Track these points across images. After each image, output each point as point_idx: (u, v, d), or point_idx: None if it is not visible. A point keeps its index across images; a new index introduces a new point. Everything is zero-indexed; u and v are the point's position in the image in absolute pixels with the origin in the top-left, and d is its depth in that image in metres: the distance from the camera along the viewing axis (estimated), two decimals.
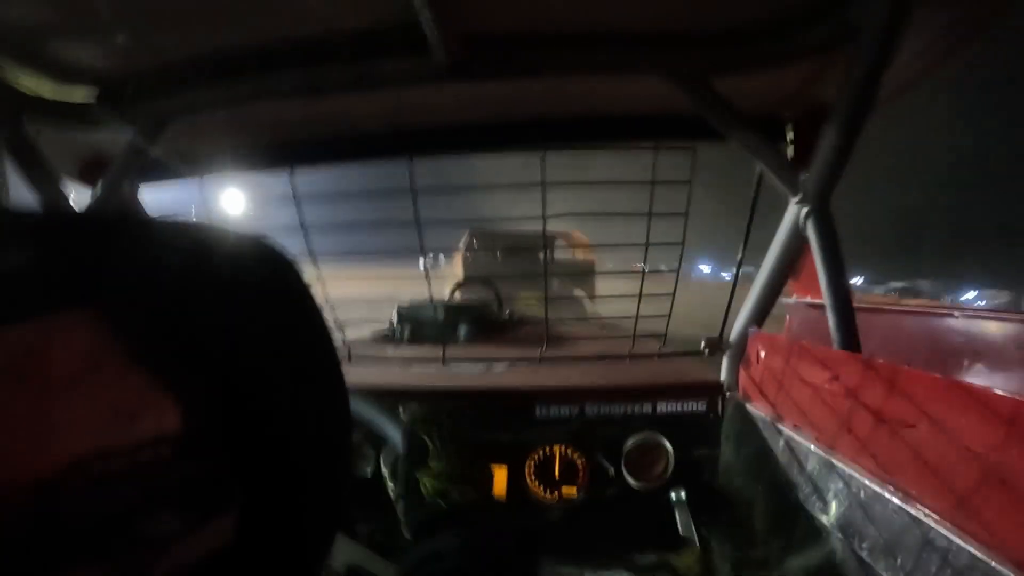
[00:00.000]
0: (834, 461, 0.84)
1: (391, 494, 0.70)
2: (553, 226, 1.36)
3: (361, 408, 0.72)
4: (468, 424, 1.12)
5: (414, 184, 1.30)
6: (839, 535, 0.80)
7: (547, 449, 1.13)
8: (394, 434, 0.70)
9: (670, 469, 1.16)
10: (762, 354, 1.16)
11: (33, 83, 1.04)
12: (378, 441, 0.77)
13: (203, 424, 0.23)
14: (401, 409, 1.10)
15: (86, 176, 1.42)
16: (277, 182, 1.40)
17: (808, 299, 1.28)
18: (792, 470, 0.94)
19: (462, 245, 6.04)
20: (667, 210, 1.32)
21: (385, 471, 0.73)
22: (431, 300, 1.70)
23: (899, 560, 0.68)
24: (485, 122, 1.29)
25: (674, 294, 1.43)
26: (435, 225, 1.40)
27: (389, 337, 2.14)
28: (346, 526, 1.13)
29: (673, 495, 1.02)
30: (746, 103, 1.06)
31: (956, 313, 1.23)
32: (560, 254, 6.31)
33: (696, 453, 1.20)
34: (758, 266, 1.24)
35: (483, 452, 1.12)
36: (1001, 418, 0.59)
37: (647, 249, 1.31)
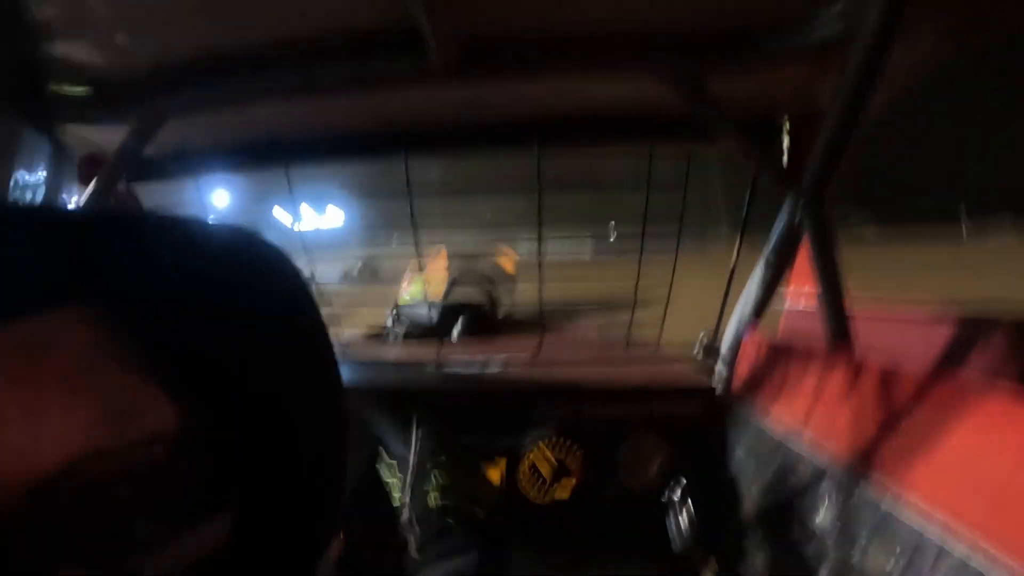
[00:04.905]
0: (829, 462, 0.84)
1: (395, 503, 0.69)
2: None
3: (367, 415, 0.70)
4: (464, 429, 1.12)
5: (410, 183, 1.30)
6: (833, 537, 0.80)
7: (541, 449, 1.13)
8: (400, 449, 0.67)
9: (665, 470, 1.16)
10: (757, 354, 1.16)
11: None
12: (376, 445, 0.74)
13: (199, 424, 0.23)
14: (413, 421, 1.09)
15: (82, 175, 1.41)
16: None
17: (802, 301, 1.28)
18: (787, 471, 0.94)
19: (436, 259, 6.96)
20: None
21: (390, 480, 0.71)
22: (426, 299, 1.71)
23: (893, 562, 0.68)
24: (480, 121, 1.29)
25: (669, 294, 1.44)
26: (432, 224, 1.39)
27: (384, 336, 2.15)
28: (343, 528, 1.13)
29: (668, 496, 1.02)
30: (742, 103, 1.06)
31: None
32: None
33: (691, 454, 1.20)
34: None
35: (477, 453, 1.12)
36: (994, 417, 0.59)
37: (641, 251, 1.31)
